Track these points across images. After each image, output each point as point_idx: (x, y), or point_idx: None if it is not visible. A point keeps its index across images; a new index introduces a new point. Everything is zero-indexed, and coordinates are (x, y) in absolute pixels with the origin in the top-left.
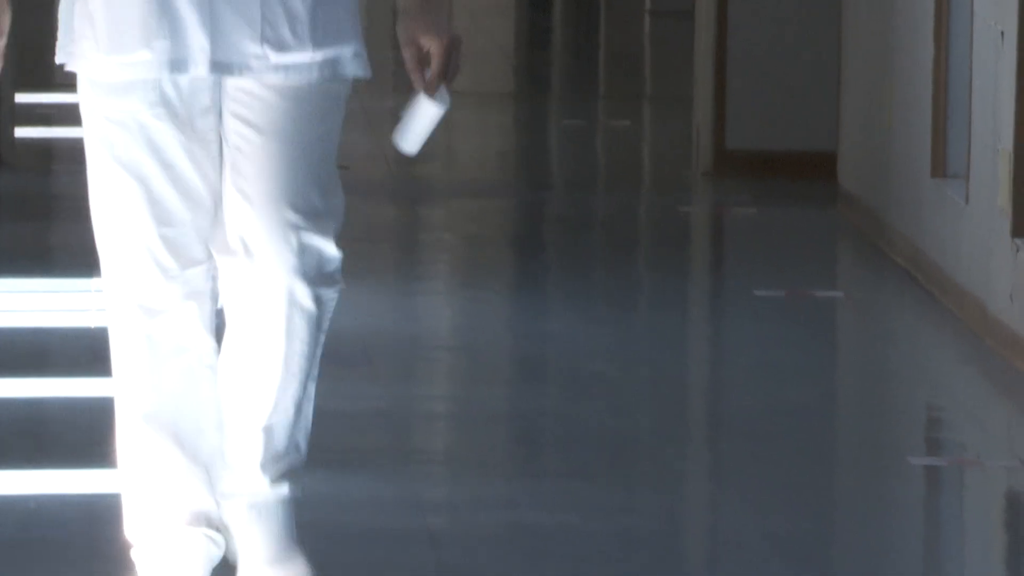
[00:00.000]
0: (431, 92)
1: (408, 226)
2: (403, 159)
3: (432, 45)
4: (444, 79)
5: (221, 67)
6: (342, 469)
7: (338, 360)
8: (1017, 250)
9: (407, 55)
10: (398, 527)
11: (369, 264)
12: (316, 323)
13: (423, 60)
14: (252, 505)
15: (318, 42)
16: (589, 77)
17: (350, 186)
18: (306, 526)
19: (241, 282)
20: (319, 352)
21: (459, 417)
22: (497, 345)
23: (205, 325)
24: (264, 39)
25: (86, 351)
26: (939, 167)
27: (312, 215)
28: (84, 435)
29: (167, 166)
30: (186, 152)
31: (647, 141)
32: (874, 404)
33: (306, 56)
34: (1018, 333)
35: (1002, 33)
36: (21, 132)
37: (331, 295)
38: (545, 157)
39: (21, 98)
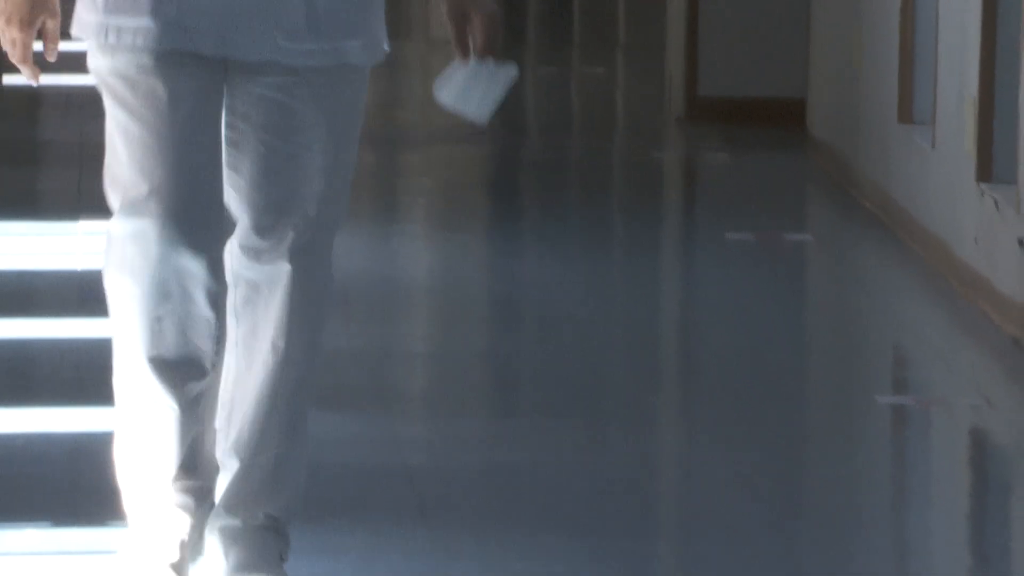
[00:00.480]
0: (483, 58)
1: (386, 171)
2: (383, 106)
3: (476, 19)
4: (490, 51)
5: (231, 48)
6: (321, 408)
7: None
8: (982, 194)
9: (453, 30)
10: (377, 464)
11: (357, 206)
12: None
13: (468, 33)
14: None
15: (325, 33)
16: (564, 26)
17: None
18: None
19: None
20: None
21: (436, 357)
22: (473, 287)
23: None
24: (278, 26)
25: (73, 293)
26: (906, 113)
27: (305, 220)
28: (71, 375)
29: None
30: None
31: (621, 88)
32: (842, 344)
33: (313, 45)
34: (982, 275)
35: None
36: (9, 80)
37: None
38: (521, 103)
39: None
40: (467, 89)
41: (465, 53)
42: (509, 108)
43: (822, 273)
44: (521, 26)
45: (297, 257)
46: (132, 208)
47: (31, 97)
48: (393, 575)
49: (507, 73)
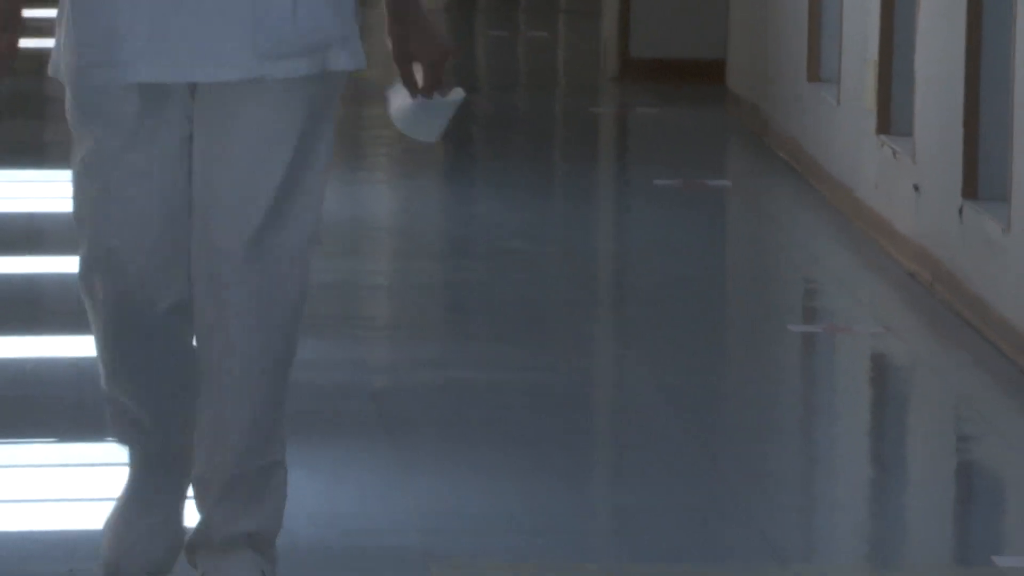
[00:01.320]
0: (428, 95)
1: (352, 124)
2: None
3: (421, 63)
4: (434, 90)
5: (206, 65)
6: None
7: None
8: (882, 145)
9: (400, 71)
10: (344, 383)
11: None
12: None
13: (414, 73)
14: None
15: (302, 38)
16: None
17: None
18: None
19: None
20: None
21: (397, 289)
22: (430, 226)
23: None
24: (251, 42)
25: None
26: (814, 73)
27: (274, 228)
28: (76, 306)
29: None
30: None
31: (562, 49)
32: (758, 277)
33: (292, 53)
34: (882, 215)
35: None
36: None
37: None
38: (473, 63)
39: None
40: (416, 119)
41: (413, 92)
42: (463, 67)
43: (740, 215)
44: None
45: (257, 255)
46: (97, 259)
47: (37, 57)
48: (361, 486)
49: (454, 100)
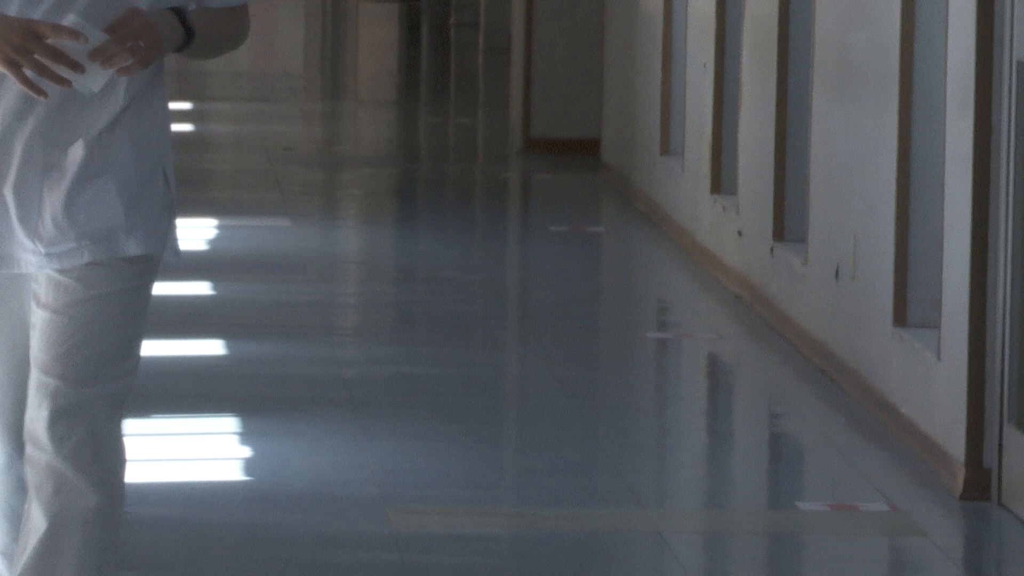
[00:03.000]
0: (98, 56)
1: (329, 184)
2: (327, 142)
3: (132, 20)
4: (115, 49)
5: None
6: (284, 338)
7: (285, 269)
8: (714, 201)
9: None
10: (321, 374)
11: (304, 208)
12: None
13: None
14: None
15: (83, 228)
16: (444, 90)
17: (297, 160)
18: (249, 377)
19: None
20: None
21: (361, 305)
22: (386, 259)
23: None
24: (36, 234)
25: None
26: (665, 148)
27: (87, 398)
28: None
29: None
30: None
31: (481, 131)
32: (624, 297)
33: (72, 243)
34: (714, 253)
35: (704, 64)
36: None
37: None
38: (416, 141)
39: None
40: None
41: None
42: (408, 144)
43: (610, 253)
44: (416, 90)
45: (57, 423)
46: None
47: None
48: (334, 450)
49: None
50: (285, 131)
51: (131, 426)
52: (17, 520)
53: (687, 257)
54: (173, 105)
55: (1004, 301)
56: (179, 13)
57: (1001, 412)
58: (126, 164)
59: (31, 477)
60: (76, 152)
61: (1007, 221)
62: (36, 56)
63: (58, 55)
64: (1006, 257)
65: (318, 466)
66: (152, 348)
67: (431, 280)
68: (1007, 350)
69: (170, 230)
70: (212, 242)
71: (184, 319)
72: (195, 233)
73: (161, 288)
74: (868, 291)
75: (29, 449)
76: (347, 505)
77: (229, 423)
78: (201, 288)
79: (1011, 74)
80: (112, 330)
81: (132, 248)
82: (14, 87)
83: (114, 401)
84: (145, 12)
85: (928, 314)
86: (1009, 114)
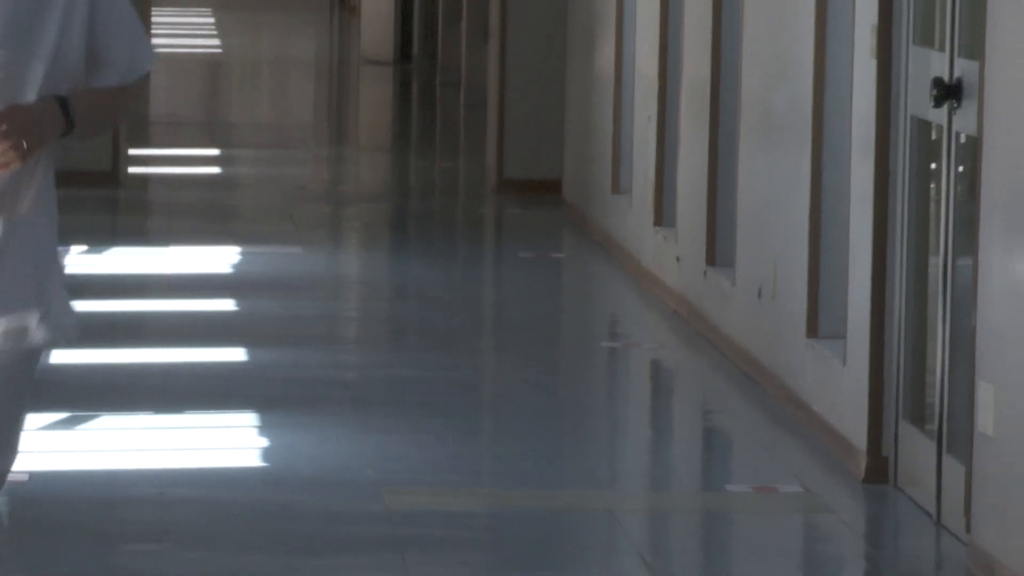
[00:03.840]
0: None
1: (335, 218)
2: (332, 182)
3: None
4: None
5: None
6: (295, 347)
7: (297, 289)
8: (656, 232)
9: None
10: (326, 375)
11: (314, 237)
12: None
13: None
14: None
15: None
16: (430, 138)
17: (307, 197)
18: (266, 379)
19: None
20: None
21: (361, 318)
22: (382, 280)
23: None
24: None
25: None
26: (616, 187)
27: None
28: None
29: None
30: None
31: (462, 173)
32: (582, 313)
33: None
34: (657, 275)
35: (649, 117)
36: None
37: None
38: (407, 181)
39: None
40: None
41: None
42: (400, 184)
43: (571, 276)
44: (408, 139)
45: None
46: None
47: (143, 178)
48: (336, 441)
49: None
50: (298, 173)
51: (167, 420)
52: None
53: (634, 279)
54: (205, 151)
55: (899, 316)
56: (63, 103)
57: (897, 409)
58: (39, 244)
59: None
60: None
61: (902, 249)
62: None
63: None
64: (901, 279)
65: (323, 454)
66: (184, 355)
67: (420, 298)
68: (902, 357)
69: (72, 315)
70: (235, 266)
71: (211, 331)
72: (221, 258)
73: (192, 305)
74: (786, 308)
75: None
76: (348, 487)
77: (248, 418)
78: (226, 304)
79: (905, 127)
80: (5, 413)
81: (39, 339)
82: None
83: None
84: (27, 108)
85: (836, 327)
86: (904, 160)
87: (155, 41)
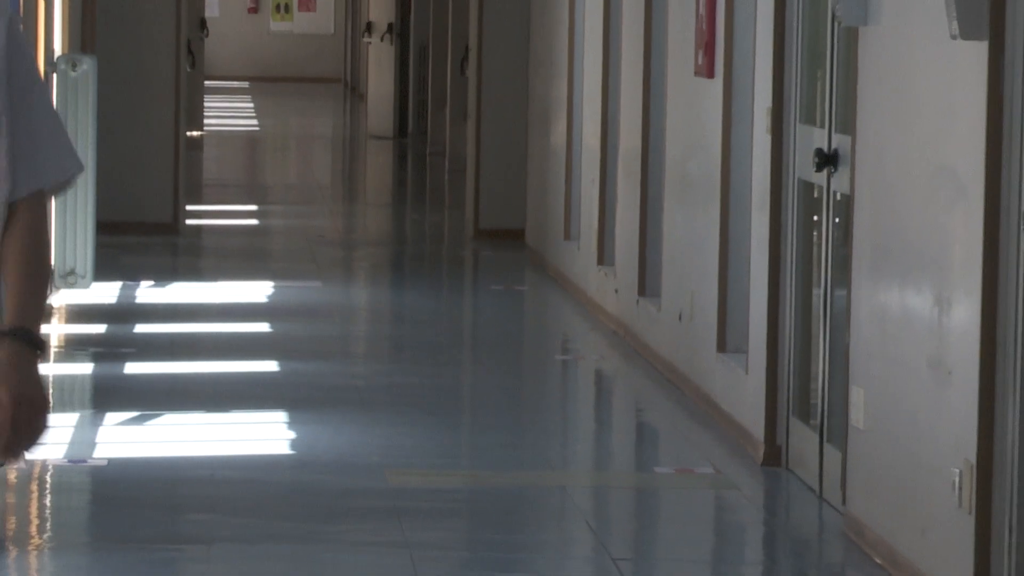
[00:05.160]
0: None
1: (348, 259)
2: (348, 231)
3: (3, 394)
4: (13, 439)
5: None
6: (317, 359)
7: (317, 314)
8: (599, 270)
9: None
10: (340, 383)
11: (331, 274)
12: None
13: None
14: None
15: None
16: (422, 196)
17: (326, 243)
18: (293, 384)
19: None
20: None
21: (367, 338)
22: (384, 307)
23: None
24: None
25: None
26: (567, 234)
27: None
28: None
29: None
30: None
31: (446, 224)
32: (540, 333)
33: None
34: (599, 304)
35: (592, 180)
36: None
37: None
38: (403, 230)
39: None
40: None
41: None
42: (398, 233)
43: (532, 304)
44: (404, 197)
45: None
46: None
47: (196, 228)
48: (349, 432)
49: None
50: (318, 223)
51: (216, 418)
52: None
53: (582, 307)
54: (246, 207)
55: (789, 335)
56: (22, 336)
57: (788, 408)
58: None
59: None
60: None
61: (792, 282)
62: None
63: None
64: (791, 306)
65: (338, 443)
66: (229, 366)
67: (414, 321)
68: (792, 367)
69: None
70: (270, 296)
71: (250, 347)
72: (258, 291)
73: (236, 327)
74: (700, 329)
75: None
76: (358, 469)
77: (279, 416)
78: (262, 327)
79: (793, 187)
80: None
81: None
82: None
83: None
84: (5, 392)
85: (739, 343)
86: (792, 213)
87: (207, 122)
